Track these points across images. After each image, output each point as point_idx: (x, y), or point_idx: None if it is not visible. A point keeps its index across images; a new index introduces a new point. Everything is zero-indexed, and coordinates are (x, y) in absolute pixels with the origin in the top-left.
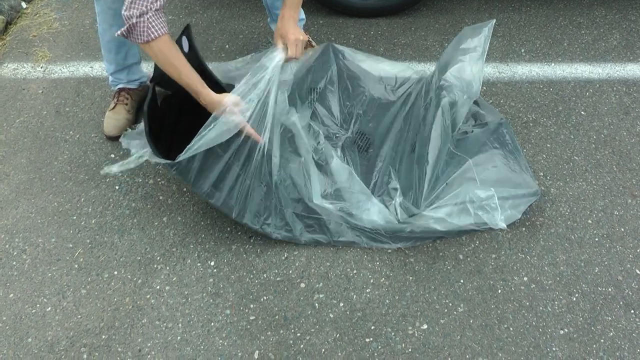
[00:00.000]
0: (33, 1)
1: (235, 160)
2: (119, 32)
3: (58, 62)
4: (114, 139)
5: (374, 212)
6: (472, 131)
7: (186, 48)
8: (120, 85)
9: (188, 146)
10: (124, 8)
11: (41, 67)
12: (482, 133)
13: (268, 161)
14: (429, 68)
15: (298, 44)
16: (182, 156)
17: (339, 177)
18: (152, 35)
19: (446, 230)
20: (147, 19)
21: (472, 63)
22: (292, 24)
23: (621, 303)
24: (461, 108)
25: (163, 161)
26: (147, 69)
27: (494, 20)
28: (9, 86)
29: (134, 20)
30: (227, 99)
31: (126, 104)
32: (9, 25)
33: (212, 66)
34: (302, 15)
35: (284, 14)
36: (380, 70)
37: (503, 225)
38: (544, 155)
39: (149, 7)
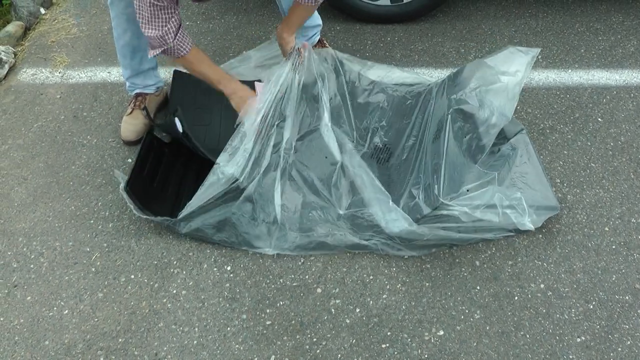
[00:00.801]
0: (52, 7)
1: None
2: (155, 52)
3: (76, 67)
4: (131, 143)
5: (395, 217)
6: (499, 150)
7: (180, 128)
8: (137, 91)
9: (188, 203)
10: (141, 26)
11: (59, 73)
12: (505, 148)
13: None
14: (445, 74)
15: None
16: (184, 212)
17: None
18: (183, 52)
19: (461, 237)
20: (176, 42)
21: (510, 87)
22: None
23: (639, 311)
24: (492, 129)
25: (157, 219)
26: (163, 74)
27: (540, 49)
28: (27, 91)
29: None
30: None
31: (143, 109)
32: (27, 31)
33: (234, 60)
34: (319, 22)
35: (282, 29)
36: (391, 78)
37: (531, 226)
38: (560, 162)
39: (164, 32)
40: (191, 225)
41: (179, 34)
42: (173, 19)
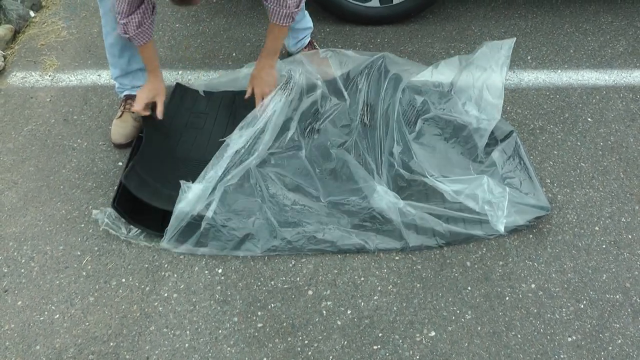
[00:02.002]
0: (41, 10)
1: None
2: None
3: (66, 70)
4: (122, 146)
5: (381, 193)
6: (491, 151)
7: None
8: (126, 92)
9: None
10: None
11: (49, 76)
12: (496, 149)
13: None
14: None
15: (261, 98)
16: (164, 241)
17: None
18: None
19: (450, 229)
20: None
21: (493, 85)
22: (264, 73)
23: (629, 310)
24: (485, 132)
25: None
26: None
27: (514, 39)
28: (17, 95)
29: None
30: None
31: (133, 112)
32: (17, 34)
33: (220, 74)
34: (310, 24)
35: (260, 62)
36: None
37: (501, 229)
38: (550, 162)
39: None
40: (181, 248)
41: (140, 29)
42: (137, 13)
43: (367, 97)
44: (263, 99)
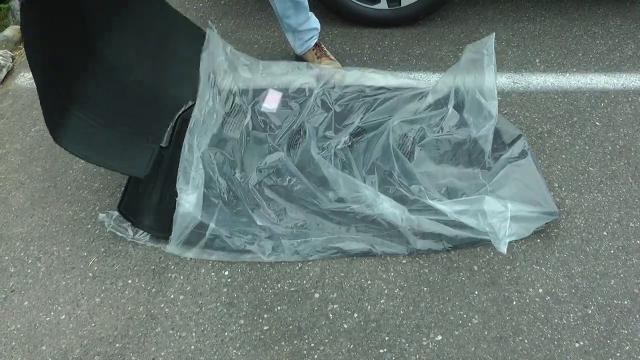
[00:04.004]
0: None
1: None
2: None
3: None
4: None
5: (386, 203)
6: (500, 156)
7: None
8: None
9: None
10: None
11: None
12: (505, 153)
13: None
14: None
15: None
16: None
17: (336, 187)
18: None
19: (457, 234)
20: None
21: (485, 88)
22: None
23: (637, 316)
24: (487, 137)
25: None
26: None
27: (494, 34)
28: (25, 95)
29: None
30: None
31: None
32: None
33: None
34: (317, 25)
35: None
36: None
37: (504, 250)
38: (558, 167)
39: None
40: (187, 254)
41: None
42: None
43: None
44: None
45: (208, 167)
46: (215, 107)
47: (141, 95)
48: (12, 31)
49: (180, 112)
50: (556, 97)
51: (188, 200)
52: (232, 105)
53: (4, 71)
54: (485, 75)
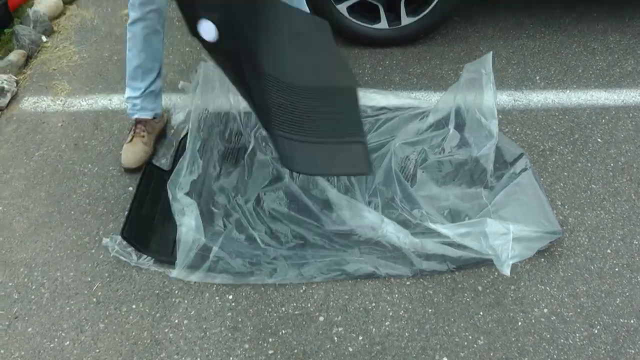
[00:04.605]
0: (53, 35)
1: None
2: None
3: (77, 95)
4: (132, 171)
5: (390, 226)
6: (502, 175)
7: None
8: (136, 115)
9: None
10: None
11: (61, 101)
12: (507, 172)
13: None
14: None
15: None
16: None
17: (340, 210)
18: None
19: (462, 255)
20: None
21: (484, 107)
22: None
23: None
24: (488, 156)
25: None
26: (166, 102)
27: (491, 53)
28: (29, 119)
29: None
30: None
31: (143, 136)
32: (29, 59)
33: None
34: None
35: None
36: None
37: (507, 272)
38: (561, 184)
39: None
40: (191, 277)
41: None
42: None
43: None
44: None
45: (209, 199)
46: (210, 142)
47: (313, 97)
48: (17, 55)
49: (182, 137)
50: (557, 114)
51: (188, 224)
52: (234, 135)
53: (9, 96)
54: (485, 94)
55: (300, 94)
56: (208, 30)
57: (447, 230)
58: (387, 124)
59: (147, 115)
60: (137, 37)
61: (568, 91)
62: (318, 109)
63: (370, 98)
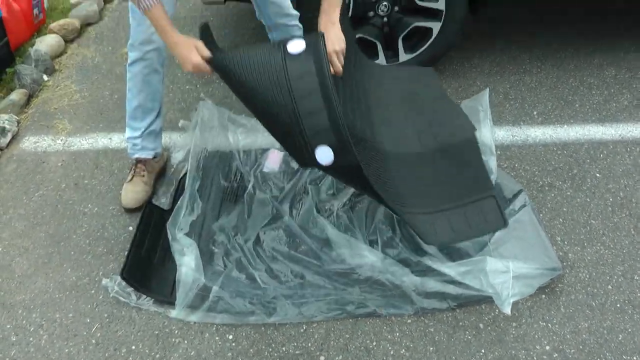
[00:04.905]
0: (54, 74)
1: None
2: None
3: (78, 134)
4: (132, 210)
5: (391, 266)
6: None
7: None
8: (137, 155)
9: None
10: None
11: (61, 140)
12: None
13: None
14: None
15: (335, 57)
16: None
17: (339, 249)
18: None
19: (462, 293)
20: None
21: (482, 144)
22: (329, 32)
23: None
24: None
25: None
26: (166, 141)
27: (487, 89)
28: (29, 159)
29: None
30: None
31: (143, 176)
32: (31, 98)
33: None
34: None
35: (320, 21)
36: None
37: (508, 311)
38: (560, 220)
39: None
40: (192, 317)
41: None
42: None
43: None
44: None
45: (209, 238)
46: (209, 181)
47: (436, 160)
48: (18, 95)
49: (181, 175)
50: (555, 149)
51: (188, 264)
52: (233, 173)
53: (9, 135)
54: (482, 130)
55: (423, 161)
56: (326, 154)
57: (448, 269)
58: None
59: (147, 155)
60: (137, 77)
61: (566, 126)
62: (444, 173)
63: None
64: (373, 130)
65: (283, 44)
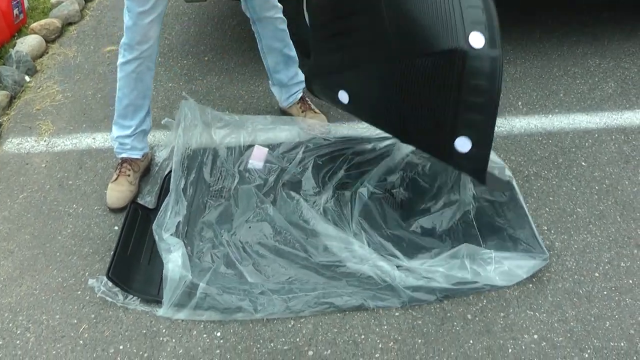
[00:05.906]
0: (36, 74)
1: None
2: None
3: (61, 134)
4: (117, 210)
5: (377, 260)
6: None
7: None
8: (124, 155)
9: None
10: None
11: (44, 141)
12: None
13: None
14: None
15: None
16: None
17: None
18: None
19: (447, 287)
20: None
21: None
22: None
23: (635, 358)
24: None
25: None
26: (150, 139)
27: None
28: (12, 161)
29: None
30: None
31: (128, 175)
32: (13, 99)
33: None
34: (303, 79)
35: None
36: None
37: (497, 281)
38: (546, 209)
39: None
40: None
41: None
42: None
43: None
44: None
45: (196, 235)
46: (194, 179)
47: None
48: (0, 97)
49: (166, 174)
50: (540, 139)
51: (175, 261)
52: (218, 170)
53: None
54: None
55: None
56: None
57: (435, 269)
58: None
59: (136, 154)
60: (130, 76)
61: (550, 116)
62: None
63: (353, 130)
64: None
65: None
